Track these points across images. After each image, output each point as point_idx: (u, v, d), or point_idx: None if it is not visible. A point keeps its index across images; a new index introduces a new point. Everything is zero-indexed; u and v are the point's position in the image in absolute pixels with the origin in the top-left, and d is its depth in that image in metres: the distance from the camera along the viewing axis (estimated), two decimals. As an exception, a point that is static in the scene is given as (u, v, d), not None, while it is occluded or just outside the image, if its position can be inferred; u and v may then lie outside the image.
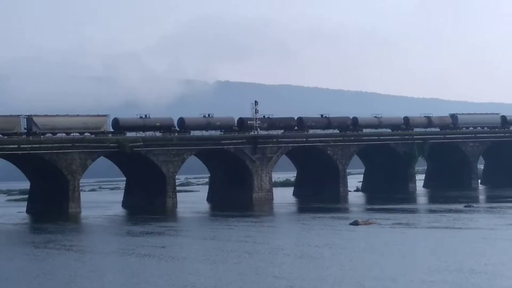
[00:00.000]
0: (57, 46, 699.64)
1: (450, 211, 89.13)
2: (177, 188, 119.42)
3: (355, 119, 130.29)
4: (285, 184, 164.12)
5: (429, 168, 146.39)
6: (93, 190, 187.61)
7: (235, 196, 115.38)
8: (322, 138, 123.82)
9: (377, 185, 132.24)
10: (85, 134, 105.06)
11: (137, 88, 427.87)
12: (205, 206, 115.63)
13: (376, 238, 64.23)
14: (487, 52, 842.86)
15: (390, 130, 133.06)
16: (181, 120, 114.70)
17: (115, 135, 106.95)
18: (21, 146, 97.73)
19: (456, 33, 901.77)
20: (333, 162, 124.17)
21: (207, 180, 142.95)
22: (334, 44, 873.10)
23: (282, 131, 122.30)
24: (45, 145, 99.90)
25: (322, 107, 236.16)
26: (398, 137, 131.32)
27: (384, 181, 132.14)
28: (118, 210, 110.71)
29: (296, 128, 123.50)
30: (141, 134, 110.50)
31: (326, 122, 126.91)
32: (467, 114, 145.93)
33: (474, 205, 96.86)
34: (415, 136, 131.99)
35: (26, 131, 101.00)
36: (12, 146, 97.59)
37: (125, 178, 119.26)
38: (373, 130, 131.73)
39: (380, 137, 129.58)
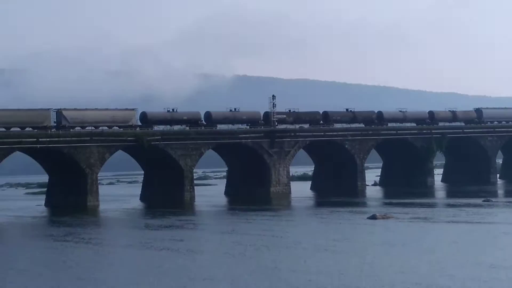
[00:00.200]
0: (75, 40, 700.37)
1: (468, 205, 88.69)
2: (195, 181, 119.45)
3: (380, 113, 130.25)
4: (302, 178, 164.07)
5: (447, 163, 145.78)
6: (111, 183, 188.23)
7: (252, 190, 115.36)
8: (340, 132, 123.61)
9: (395, 179, 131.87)
10: (114, 127, 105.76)
11: (154, 82, 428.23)
12: (222, 200, 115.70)
13: (394, 232, 64.05)
14: (505, 47, 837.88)
15: (415, 124, 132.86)
16: (207, 114, 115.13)
17: (142, 129, 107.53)
18: (40, 139, 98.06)
19: (474, 27, 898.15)
20: (351, 156, 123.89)
21: (224, 174, 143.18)
22: (352, 38, 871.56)
23: (308, 125, 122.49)
24: (64, 138, 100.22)
25: (339, 102, 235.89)
26: (416, 131, 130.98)
27: (402, 176, 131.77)
28: (136, 203, 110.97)
29: (321, 122, 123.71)
30: (168, 127, 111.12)
31: (351, 116, 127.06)
32: (492, 108, 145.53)
33: (493, 199, 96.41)
34: (433, 131, 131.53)
35: (55, 124, 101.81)
36: (30, 139, 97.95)
37: (143, 172, 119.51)
38: (398, 124, 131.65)
39: (399, 132, 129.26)
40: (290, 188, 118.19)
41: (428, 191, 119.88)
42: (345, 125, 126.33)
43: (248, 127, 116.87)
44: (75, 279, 46.20)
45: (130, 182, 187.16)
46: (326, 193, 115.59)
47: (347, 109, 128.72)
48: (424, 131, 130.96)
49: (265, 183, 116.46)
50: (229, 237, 65.27)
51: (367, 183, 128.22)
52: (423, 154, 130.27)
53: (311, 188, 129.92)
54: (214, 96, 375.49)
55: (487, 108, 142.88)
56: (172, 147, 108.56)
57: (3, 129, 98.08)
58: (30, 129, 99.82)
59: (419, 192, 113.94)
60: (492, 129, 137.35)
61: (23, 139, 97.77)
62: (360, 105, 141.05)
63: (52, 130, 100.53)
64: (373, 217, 74.84)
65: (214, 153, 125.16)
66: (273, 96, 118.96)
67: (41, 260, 54.83)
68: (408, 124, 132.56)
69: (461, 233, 62.32)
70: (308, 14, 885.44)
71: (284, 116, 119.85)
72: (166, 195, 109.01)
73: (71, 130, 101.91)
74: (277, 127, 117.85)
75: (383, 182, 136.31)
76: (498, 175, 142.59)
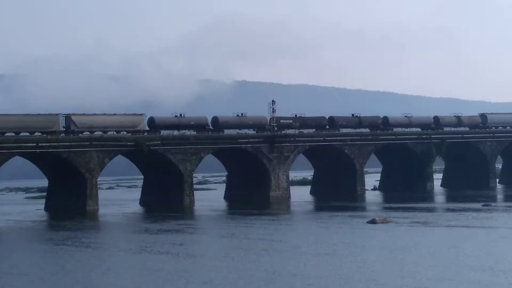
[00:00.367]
0: (76, 46, 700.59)
1: (468, 210, 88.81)
2: (195, 186, 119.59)
3: (385, 119, 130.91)
4: (302, 182, 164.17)
5: (447, 167, 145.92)
6: (110, 188, 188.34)
7: (252, 195, 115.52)
8: (339, 138, 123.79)
9: (395, 184, 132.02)
10: (122, 132, 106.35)
11: (154, 87, 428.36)
12: (222, 204, 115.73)
13: (394, 237, 64.06)
14: (506, 52, 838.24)
15: (420, 130, 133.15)
16: (215, 119, 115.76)
17: (151, 133, 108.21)
18: (40, 144, 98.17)
19: (476, 33, 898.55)
20: (351, 161, 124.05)
21: (224, 178, 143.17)
22: (353, 43, 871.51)
23: (314, 130, 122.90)
24: (63, 143, 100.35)
25: (339, 107, 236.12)
26: (415, 136, 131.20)
27: (402, 180, 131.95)
28: (136, 208, 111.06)
29: (327, 127, 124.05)
30: (176, 132, 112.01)
31: (357, 122, 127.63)
32: (497, 113, 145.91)
33: (492, 204, 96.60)
34: (432, 136, 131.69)
35: (64, 129, 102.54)
36: (30, 144, 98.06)
37: (142, 176, 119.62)
38: (403, 129, 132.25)
39: (398, 137, 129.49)
40: (289, 193, 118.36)
41: (428, 195, 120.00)
42: (351, 130, 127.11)
43: (255, 132, 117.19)
44: (74, 282, 46.22)
45: (129, 187, 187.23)
46: (326, 198, 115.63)
47: (352, 114, 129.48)
48: (424, 136, 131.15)
49: (264, 187, 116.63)
50: (229, 241, 65.32)
51: (366, 187, 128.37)
52: (422, 159, 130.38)
53: (311, 193, 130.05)
54: (214, 102, 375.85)
55: (491, 113, 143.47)
56: (172, 152, 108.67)
57: (13, 134, 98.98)
58: (39, 134, 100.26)
59: (419, 197, 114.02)
60: (491, 134, 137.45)
61: (23, 144, 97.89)
62: (360, 111, 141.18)
63: (61, 135, 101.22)
64: (373, 222, 74.89)
65: (213, 158, 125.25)
66: (272, 101, 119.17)
67: (41, 264, 54.80)
68: (413, 129, 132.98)
69: (461, 237, 62.31)
70: (308, 19, 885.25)
71: (291, 121, 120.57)
72: (166, 199, 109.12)
73: (80, 135, 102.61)
74: (283, 132, 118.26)
75: (383, 186, 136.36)
76: (497, 180, 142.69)
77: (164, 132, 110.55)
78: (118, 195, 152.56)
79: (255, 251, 56.87)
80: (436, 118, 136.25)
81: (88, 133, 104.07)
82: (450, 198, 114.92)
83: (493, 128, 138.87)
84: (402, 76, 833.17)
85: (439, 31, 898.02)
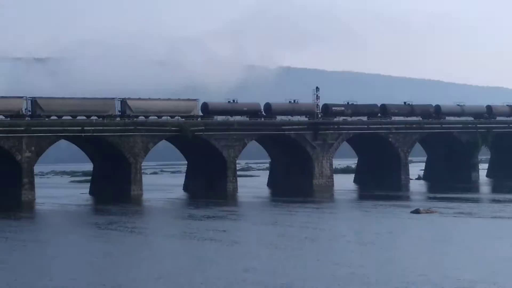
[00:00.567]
0: (121, 29, 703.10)
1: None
2: (238, 172, 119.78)
3: (437, 107, 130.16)
4: (345, 171, 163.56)
5: (493, 158, 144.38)
6: (154, 173, 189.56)
7: (295, 182, 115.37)
8: (383, 126, 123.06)
9: (439, 173, 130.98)
10: (176, 117, 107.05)
11: (199, 73, 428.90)
12: (265, 191, 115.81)
13: (438, 227, 63.62)
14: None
15: (473, 119, 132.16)
16: (267, 106, 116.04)
17: (204, 119, 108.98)
18: (85, 128, 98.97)
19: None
20: (395, 150, 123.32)
21: (267, 165, 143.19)
22: (400, 29, 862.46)
23: (366, 117, 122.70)
24: (108, 127, 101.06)
25: (383, 94, 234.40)
26: (461, 125, 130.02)
27: (446, 170, 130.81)
28: (179, 193, 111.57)
29: (379, 115, 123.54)
30: (229, 118, 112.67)
31: (409, 110, 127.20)
32: None
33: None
34: (478, 125, 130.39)
35: (120, 113, 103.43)
36: (76, 128, 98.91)
37: (186, 162, 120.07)
38: (456, 118, 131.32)
39: (443, 126, 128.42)
40: (333, 181, 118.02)
41: (473, 186, 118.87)
42: (403, 118, 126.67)
43: (307, 118, 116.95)
44: (118, 267, 46.57)
45: (173, 172, 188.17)
46: (369, 186, 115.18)
47: (405, 102, 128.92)
48: (470, 125, 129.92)
49: (308, 175, 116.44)
50: (272, 229, 65.32)
51: (410, 177, 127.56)
52: (468, 148, 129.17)
53: (354, 181, 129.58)
54: (258, 88, 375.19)
55: None
56: (216, 138, 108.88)
57: (70, 117, 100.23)
58: (95, 117, 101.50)
59: (463, 187, 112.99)
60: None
61: (68, 128, 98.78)
62: (405, 99, 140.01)
63: (117, 119, 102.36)
64: (417, 212, 74.34)
65: (257, 144, 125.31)
66: (316, 88, 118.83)
67: (86, 248, 55.29)
68: (465, 118, 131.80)
69: (507, 229, 61.64)
70: (353, 5, 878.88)
71: (343, 108, 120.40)
72: (209, 185, 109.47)
73: (135, 119, 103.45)
74: (335, 119, 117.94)
75: (427, 176, 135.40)
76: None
77: (217, 118, 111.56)
78: (162, 180, 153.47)
79: (298, 239, 56.80)
80: (488, 107, 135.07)
81: (143, 117, 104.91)
82: (496, 188, 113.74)
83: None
84: (448, 64, 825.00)
85: (483, 19, 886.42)
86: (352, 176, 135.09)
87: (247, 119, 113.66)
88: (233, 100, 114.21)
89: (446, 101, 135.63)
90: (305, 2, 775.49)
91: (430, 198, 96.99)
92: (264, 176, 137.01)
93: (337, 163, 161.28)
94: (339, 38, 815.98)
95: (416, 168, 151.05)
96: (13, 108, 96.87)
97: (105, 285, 40.74)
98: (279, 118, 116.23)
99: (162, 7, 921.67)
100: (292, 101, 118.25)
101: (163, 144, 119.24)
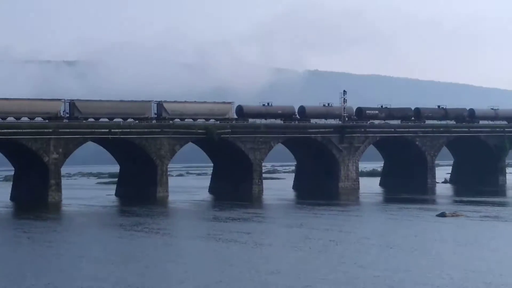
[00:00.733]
0: (150, 32, 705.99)
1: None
2: (264, 175, 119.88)
3: (471, 111, 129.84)
4: (371, 174, 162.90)
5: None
6: (180, 175, 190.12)
7: (321, 185, 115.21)
8: (410, 129, 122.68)
9: (466, 177, 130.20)
10: (211, 120, 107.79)
11: (227, 75, 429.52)
12: (291, 194, 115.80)
13: (464, 231, 63.31)
14: None
15: (507, 123, 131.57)
16: (302, 109, 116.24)
17: (238, 121, 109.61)
18: (112, 130, 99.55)
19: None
20: (422, 153, 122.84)
21: (293, 168, 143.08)
22: (428, 34, 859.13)
23: (400, 121, 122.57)
24: (135, 130, 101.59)
25: (412, 99, 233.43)
26: (488, 129, 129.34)
27: (473, 174, 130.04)
28: (205, 195, 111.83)
29: (412, 118, 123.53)
30: (263, 121, 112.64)
31: (443, 113, 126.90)
32: None
33: None
34: (506, 129, 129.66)
35: (156, 116, 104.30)
36: (103, 130, 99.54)
37: (212, 164, 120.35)
38: (490, 122, 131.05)
39: (470, 129, 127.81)
40: (359, 184, 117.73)
41: (500, 190, 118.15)
42: (437, 122, 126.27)
43: (340, 122, 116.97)
44: (143, 268, 46.76)
45: (199, 174, 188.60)
46: (395, 190, 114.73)
47: (438, 106, 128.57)
48: (497, 129, 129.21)
49: (333, 178, 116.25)
50: (297, 231, 65.29)
51: (437, 180, 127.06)
52: (495, 152, 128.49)
53: (380, 184, 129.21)
54: (286, 91, 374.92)
55: None
56: (242, 140, 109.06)
57: (106, 120, 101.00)
58: (132, 120, 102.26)
59: (490, 191, 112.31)
60: None
61: (96, 130, 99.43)
62: (432, 103, 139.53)
63: (153, 121, 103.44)
64: (443, 215, 74.04)
65: (283, 147, 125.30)
66: (344, 91, 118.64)
67: (111, 249, 55.65)
68: (499, 122, 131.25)
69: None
70: (383, 9, 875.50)
71: (377, 112, 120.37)
72: (235, 188, 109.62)
73: (171, 122, 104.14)
74: (368, 123, 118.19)
75: (454, 179, 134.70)
76: None
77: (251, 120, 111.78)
78: (188, 182, 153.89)
79: (323, 242, 56.81)
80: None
81: (178, 120, 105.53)
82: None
83: None
84: (478, 68, 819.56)
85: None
86: (378, 179, 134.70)
87: (281, 122, 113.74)
88: (268, 103, 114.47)
89: (476, 106, 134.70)
90: (334, 4, 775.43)
91: (456, 201, 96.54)
92: (289, 179, 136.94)
93: (363, 166, 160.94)
94: (367, 41, 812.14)
95: (442, 172, 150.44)
96: (51, 110, 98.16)
97: (131, 286, 41.00)
98: (313, 121, 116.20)
99: (191, 10, 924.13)
100: (326, 105, 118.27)
101: (190, 146, 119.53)
